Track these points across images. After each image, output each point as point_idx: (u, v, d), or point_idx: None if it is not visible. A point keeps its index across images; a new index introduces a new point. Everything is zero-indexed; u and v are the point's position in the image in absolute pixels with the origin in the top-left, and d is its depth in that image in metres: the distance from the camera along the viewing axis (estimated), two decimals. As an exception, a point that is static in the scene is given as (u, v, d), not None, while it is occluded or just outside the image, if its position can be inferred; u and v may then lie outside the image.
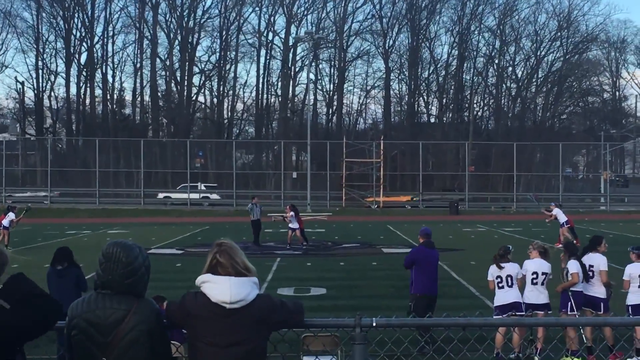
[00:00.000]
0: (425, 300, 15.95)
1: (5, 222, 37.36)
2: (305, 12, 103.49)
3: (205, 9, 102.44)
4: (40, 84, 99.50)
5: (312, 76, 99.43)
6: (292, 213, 38.68)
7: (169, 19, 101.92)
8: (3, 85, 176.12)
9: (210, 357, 5.27)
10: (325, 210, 70.43)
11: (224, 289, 5.30)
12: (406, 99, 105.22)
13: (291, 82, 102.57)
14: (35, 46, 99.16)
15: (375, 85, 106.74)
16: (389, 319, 5.88)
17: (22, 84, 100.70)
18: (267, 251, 35.46)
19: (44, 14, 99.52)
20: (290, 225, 38.72)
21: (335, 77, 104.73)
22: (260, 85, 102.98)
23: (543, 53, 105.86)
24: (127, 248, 5.32)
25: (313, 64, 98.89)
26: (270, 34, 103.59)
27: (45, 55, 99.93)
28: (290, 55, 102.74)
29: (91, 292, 5.36)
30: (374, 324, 5.74)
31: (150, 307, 5.29)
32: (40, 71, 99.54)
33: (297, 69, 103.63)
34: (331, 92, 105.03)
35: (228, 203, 76.14)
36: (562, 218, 38.08)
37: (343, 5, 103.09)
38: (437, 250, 17.03)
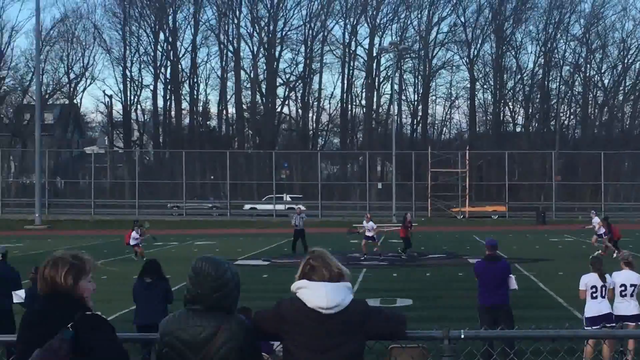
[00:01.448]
0: (484, 311, 15.79)
1: (131, 240, 38.37)
2: (389, 23, 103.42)
3: (288, 20, 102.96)
4: (128, 98, 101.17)
5: (396, 86, 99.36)
6: (370, 223, 39.11)
7: (253, 32, 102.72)
8: (92, 99, 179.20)
9: None
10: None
11: (320, 295, 5.30)
12: (491, 108, 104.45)
13: (375, 92, 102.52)
14: (123, 60, 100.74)
15: (460, 94, 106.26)
16: (477, 330, 5.84)
17: (110, 97, 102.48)
18: (353, 262, 35.41)
19: (132, 28, 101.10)
20: (366, 234, 39.12)
21: (419, 87, 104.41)
22: (345, 96, 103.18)
23: (630, 60, 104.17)
24: (215, 262, 5.33)
25: (397, 74, 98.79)
26: (354, 45, 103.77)
27: (132, 69, 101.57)
28: (374, 65, 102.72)
29: (181, 309, 5.37)
30: (462, 336, 5.70)
31: (240, 323, 5.27)
32: (128, 84, 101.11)
33: (381, 80, 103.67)
34: (415, 102, 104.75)
35: (313, 214, 76.20)
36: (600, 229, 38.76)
37: (427, 15, 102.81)
38: (505, 260, 16.84)
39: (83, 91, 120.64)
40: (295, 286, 5.43)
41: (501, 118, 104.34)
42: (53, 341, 4.82)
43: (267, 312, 5.45)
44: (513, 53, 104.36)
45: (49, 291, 5.13)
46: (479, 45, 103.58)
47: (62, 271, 5.11)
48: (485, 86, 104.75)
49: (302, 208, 48.06)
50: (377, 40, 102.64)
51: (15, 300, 16.15)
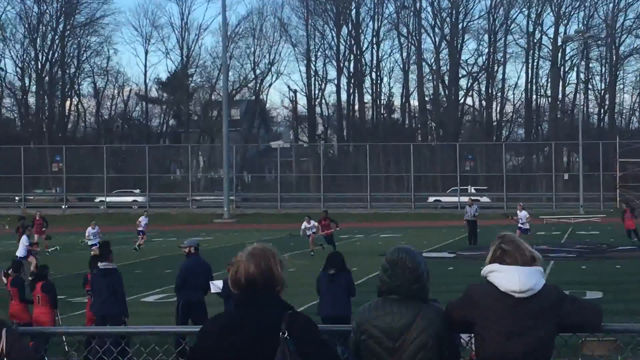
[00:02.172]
0: None
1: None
2: (574, 11, 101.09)
3: (470, 10, 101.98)
4: (313, 92, 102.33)
5: (582, 75, 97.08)
6: (523, 212, 40.02)
7: (434, 23, 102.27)
8: (277, 94, 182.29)
9: (497, 347, 5.21)
10: (598, 212, 68.42)
11: (512, 278, 5.24)
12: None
13: (560, 82, 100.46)
14: (307, 55, 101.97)
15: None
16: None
17: (295, 92, 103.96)
18: (541, 254, 34.72)
19: (315, 23, 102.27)
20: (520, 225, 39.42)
21: (606, 75, 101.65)
22: (529, 86, 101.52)
23: None
24: (411, 253, 5.36)
25: (583, 62, 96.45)
26: (538, 34, 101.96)
27: (317, 64, 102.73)
28: (559, 54, 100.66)
29: (377, 298, 5.39)
30: (661, 330, 5.52)
31: (437, 311, 5.30)
32: (312, 79, 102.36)
33: (566, 69, 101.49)
34: (602, 91, 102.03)
35: (498, 206, 75.37)
36: None
37: (614, 1, 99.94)
38: None
39: (269, 87, 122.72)
40: (487, 270, 5.38)
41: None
42: (281, 356, 4.71)
43: (457, 300, 5.41)
44: None
45: (249, 285, 4.92)
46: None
47: (276, 262, 4.99)
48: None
49: (474, 199, 48.30)
50: (562, 28, 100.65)
51: (212, 290, 16.60)
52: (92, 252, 32.77)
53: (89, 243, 38.04)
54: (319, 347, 4.86)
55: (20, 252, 31.02)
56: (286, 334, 4.74)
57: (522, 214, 39.81)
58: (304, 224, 40.10)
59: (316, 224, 39.74)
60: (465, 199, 76.34)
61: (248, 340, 4.77)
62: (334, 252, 15.94)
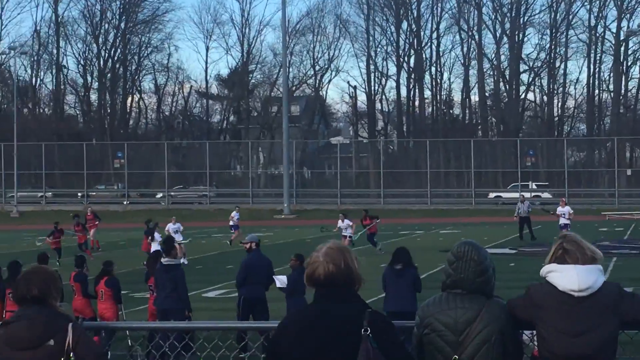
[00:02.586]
0: None
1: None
2: (637, 4, 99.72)
3: (531, 5, 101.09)
4: (372, 88, 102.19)
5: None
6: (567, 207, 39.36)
7: (495, 18, 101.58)
8: (337, 89, 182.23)
9: (559, 346, 5.19)
10: (662, 208, 67.50)
11: (571, 277, 5.23)
12: None
13: (623, 76, 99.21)
14: (367, 50, 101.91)
15: None
16: None
17: (355, 88, 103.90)
18: (603, 251, 34.40)
19: (375, 19, 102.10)
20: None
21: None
22: (591, 81, 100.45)
23: None
24: (477, 247, 5.37)
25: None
26: (601, 28, 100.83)
27: (377, 60, 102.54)
28: (622, 49, 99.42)
29: (441, 293, 5.40)
30: None
31: (502, 307, 5.30)
32: (372, 75, 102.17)
33: (629, 63, 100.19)
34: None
35: (559, 202, 74.66)
36: None
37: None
38: None
39: (328, 83, 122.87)
40: (545, 270, 5.38)
41: None
42: (366, 356, 4.73)
43: (518, 299, 5.40)
44: None
45: (329, 284, 4.92)
46: None
47: (353, 259, 5.01)
48: None
49: (526, 196, 47.74)
50: (624, 23, 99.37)
51: (277, 285, 16.66)
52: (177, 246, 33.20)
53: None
54: (398, 347, 4.92)
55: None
56: (369, 332, 4.78)
57: (565, 209, 39.13)
58: (339, 223, 40.02)
59: (351, 222, 39.66)
60: (526, 194, 76.02)
61: (328, 335, 4.80)
62: (400, 248, 15.88)
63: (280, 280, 16.63)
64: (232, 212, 46.70)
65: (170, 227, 35.97)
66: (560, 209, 39.34)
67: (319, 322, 4.86)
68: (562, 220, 38.53)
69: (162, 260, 16.28)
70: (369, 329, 4.78)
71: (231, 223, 45.41)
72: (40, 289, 5.56)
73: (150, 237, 34.00)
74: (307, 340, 4.85)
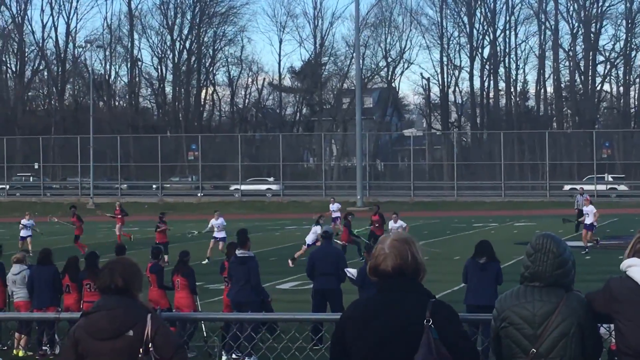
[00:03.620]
0: None
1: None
2: None
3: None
4: (445, 80, 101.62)
5: None
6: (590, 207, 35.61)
7: (571, 8, 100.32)
8: (409, 82, 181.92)
9: (638, 341, 5.14)
10: None
11: None
12: None
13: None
14: (439, 42, 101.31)
15: None
16: None
17: (428, 80, 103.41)
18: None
19: (447, 10, 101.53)
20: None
21: None
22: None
23: None
24: (556, 240, 5.35)
25: None
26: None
27: (449, 51, 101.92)
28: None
29: (519, 286, 5.35)
30: None
31: (580, 300, 5.26)
32: (444, 67, 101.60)
33: None
34: None
35: (636, 194, 73.68)
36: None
37: None
38: None
39: (401, 75, 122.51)
40: (626, 264, 5.32)
41: None
42: (428, 346, 4.74)
43: (597, 293, 5.35)
44: None
45: (396, 275, 4.96)
46: None
47: (418, 250, 5.04)
48: None
49: (584, 188, 46.37)
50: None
51: (348, 276, 16.68)
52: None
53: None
54: (461, 338, 4.89)
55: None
56: (430, 322, 4.77)
57: (590, 209, 35.01)
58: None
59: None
60: (602, 187, 75.09)
61: (392, 326, 4.82)
62: (484, 241, 15.75)
63: (350, 273, 16.66)
64: (330, 204, 45.82)
65: (213, 222, 35.03)
66: (585, 209, 35.41)
67: (384, 312, 4.89)
68: (588, 220, 34.68)
69: (237, 252, 16.34)
70: (430, 319, 4.78)
71: (333, 215, 43.74)
72: (124, 279, 5.61)
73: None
74: (372, 329, 4.88)
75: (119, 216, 42.53)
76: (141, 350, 5.48)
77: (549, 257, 5.25)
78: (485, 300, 14.00)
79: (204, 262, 31.09)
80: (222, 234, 34.19)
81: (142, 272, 5.79)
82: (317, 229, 30.52)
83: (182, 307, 16.61)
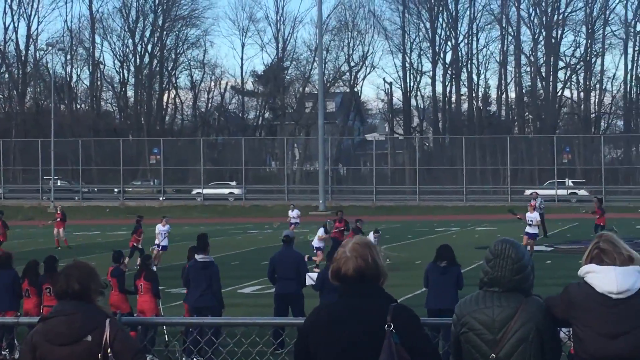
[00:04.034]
0: None
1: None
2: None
3: (569, 1, 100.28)
4: (408, 84, 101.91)
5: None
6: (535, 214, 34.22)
7: (533, 14, 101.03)
8: (372, 86, 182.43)
9: (597, 347, 5.18)
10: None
11: (609, 279, 5.21)
12: None
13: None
14: (402, 47, 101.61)
15: None
16: None
17: (390, 84, 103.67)
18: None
19: (410, 16, 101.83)
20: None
21: None
22: (629, 78, 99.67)
23: None
24: (515, 245, 5.35)
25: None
26: (638, 24, 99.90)
27: (412, 56, 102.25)
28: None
29: (478, 291, 5.39)
30: None
31: (539, 305, 5.29)
32: (407, 71, 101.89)
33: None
34: None
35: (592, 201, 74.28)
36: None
37: None
38: None
39: (363, 79, 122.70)
40: (584, 270, 5.36)
41: None
42: (389, 351, 4.76)
43: (555, 298, 5.39)
44: None
45: (357, 279, 4.96)
46: None
47: (379, 254, 5.07)
48: None
49: (538, 192, 47.04)
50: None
51: (307, 282, 16.68)
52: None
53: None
54: (422, 342, 4.92)
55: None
56: (392, 327, 4.79)
57: (533, 216, 33.41)
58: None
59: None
60: (562, 191, 75.64)
61: (355, 331, 4.83)
62: (444, 245, 15.82)
63: (310, 278, 16.66)
64: (289, 211, 45.95)
65: (160, 228, 34.53)
66: (528, 215, 33.60)
67: (347, 318, 4.90)
68: (528, 229, 32.99)
69: (197, 257, 16.26)
70: (392, 324, 4.80)
71: (292, 222, 44.15)
72: (81, 284, 5.58)
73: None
74: (335, 335, 4.89)
75: (59, 220, 42.04)
76: (100, 355, 5.46)
77: (508, 262, 5.27)
78: (446, 304, 14.07)
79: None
80: (165, 242, 33.31)
81: (99, 276, 5.75)
82: (321, 232, 31.04)
83: (145, 311, 16.55)
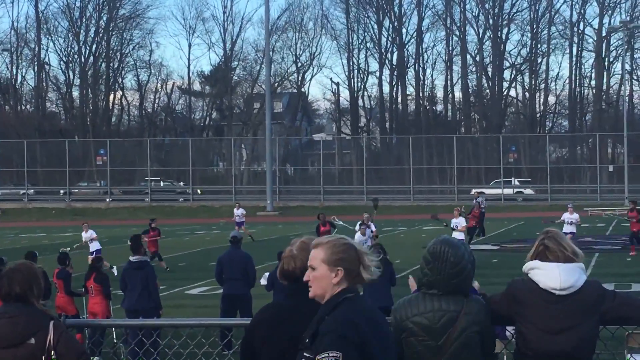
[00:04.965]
0: None
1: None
2: (619, 1, 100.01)
3: (514, 2, 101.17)
4: (355, 84, 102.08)
5: (627, 66, 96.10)
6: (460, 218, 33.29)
7: (478, 15, 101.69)
8: (319, 86, 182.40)
9: (539, 344, 5.22)
10: (644, 204, 67.64)
11: (553, 275, 5.25)
12: None
13: (605, 73, 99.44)
14: (349, 47, 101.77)
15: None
16: None
17: (337, 84, 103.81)
18: (585, 247, 34.59)
19: (356, 16, 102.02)
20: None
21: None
22: (573, 78, 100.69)
23: None
24: (454, 246, 5.25)
25: (628, 53, 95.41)
26: (582, 25, 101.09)
27: (359, 56, 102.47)
28: (604, 45, 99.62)
29: (416, 293, 5.35)
30: None
31: (481, 305, 5.26)
32: (354, 72, 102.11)
33: (611, 60, 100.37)
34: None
35: (542, 198, 75.06)
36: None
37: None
38: None
39: (311, 79, 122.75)
40: (528, 267, 5.40)
41: None
42: None
43: (499, 295, 5.42)
44: None
45: (303, 272, 4.86)
46: None
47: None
48: None
49: (479, 191, 47.55)
50: (606, 19, 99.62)
51: (261, 283, 16.67)
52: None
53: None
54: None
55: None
56: None
57: (459, 221, 32.58)
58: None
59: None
60: (509, 190, 76.30)
61: (300, 330, 4.77)
62: (376, 244, 15.97)
63: (264, 277, 16.66)
64: (234, 209, 45.89)
65: (85, 235, 32.33)
66: (454, 220, 32.68)
67: (292, 317, 4.89)
68: (454, 234, 30.50)
69: (131, 258, 16.03)
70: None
71: (237, 220, 44.22)
72: (22, 286, 5.53)
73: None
74: (280, 334, 4.88)
75: None
76: (43, 358, 5.43)
77: (447, 266, 5.17)
78: (380, 301, 14.18)
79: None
80: (97, 246, 31.86)
81: (41, 279, 5.71)
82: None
83: (97, 313, 16.39)
